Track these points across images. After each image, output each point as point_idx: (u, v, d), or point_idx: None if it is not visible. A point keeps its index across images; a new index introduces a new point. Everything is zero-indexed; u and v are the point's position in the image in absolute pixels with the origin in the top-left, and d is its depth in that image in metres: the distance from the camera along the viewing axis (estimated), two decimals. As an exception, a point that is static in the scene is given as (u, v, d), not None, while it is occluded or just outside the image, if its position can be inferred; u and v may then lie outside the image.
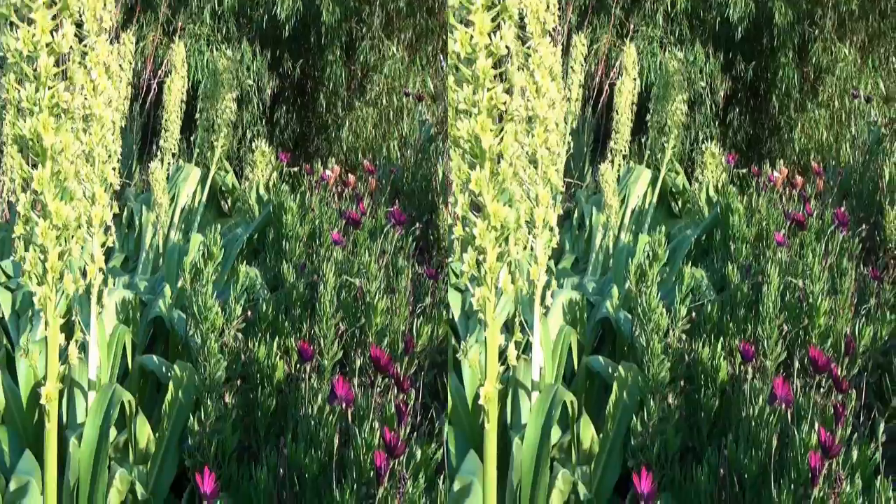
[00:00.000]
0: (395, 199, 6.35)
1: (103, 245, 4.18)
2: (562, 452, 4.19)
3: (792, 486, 3.72)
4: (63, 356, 3.96)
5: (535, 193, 3.97)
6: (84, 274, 4.07)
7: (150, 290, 5.06)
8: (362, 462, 3.83)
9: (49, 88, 3.38)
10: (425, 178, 6.62)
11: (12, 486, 3.93)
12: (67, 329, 3.97)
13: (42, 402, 3.48)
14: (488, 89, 3.35)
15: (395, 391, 4.13)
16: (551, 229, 4.11)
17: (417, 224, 5.91)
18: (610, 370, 4.40)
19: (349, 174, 6.57)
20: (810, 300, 4.80)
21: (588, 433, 4.21)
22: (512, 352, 3.44)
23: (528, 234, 3.99)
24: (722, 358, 4.46)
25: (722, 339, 4.62)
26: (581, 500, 4.04)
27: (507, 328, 4.17)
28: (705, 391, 4.31)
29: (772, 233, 5.37)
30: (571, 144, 5.97)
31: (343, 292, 4.95)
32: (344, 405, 3.98)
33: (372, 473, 3.78)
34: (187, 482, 4.16)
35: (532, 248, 4.06)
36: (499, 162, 3.39)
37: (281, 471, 3.99)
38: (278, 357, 4.44)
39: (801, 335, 4.79)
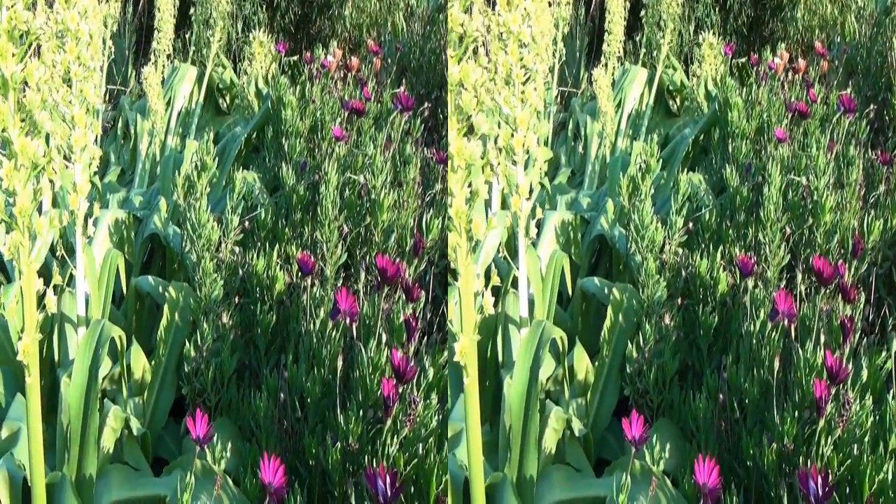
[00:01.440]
0: (401, 79, 5.86)
1: (91, 165, 3.70)
2: (557, 384, 3.85)
3: (796, 413, 3.35)
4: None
5: (513, 117, 3.50)
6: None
7: (146, 205, 4.68)
8: (368, 383, 3.46)
9: (7, 9, 2.92)
10: (433, 52, 6.08)
11: (4, 432, 3.62)
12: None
13: (19, 357, 3.06)
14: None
15: (404, 299, 3.75)
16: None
17: (426, 104, 5.44)
18: (606, 291, 3.97)
19: (352, 57, 5.98)
20: (815, 197, 4.32)
21: (582, 364, 3.88)
22: (488, 301, 3.00)
23: (509, 162, 3.52)
24: (721, 269, 4.01)
25: (721, 247, 4.19)
26: (577, 437, 3.68)
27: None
28: (703, 308, 3.86)
29: (773, 126, 4.86)
30: (563, 52, 5.46)
31: (346, 190, 4.56)
32: (348, 320, 3.54)
33: (379, 393, 3.41)
34: (188, 406, 3.83)
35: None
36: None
37: (282, 395, 3.61)
38: (278, 267, 4.06)
39: (805, 235, 4.32)
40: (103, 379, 3.68)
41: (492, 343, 3.80)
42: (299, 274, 3.94)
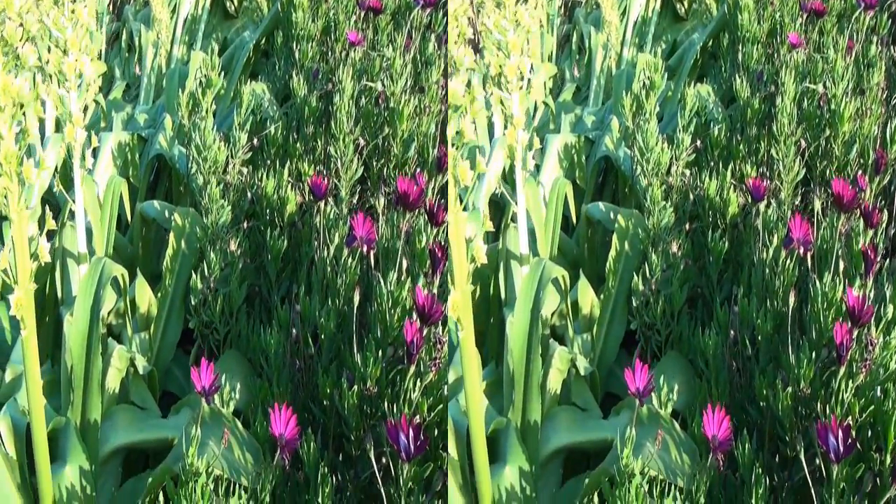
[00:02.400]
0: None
1: (88, 91, 3.51)
2: (563, 319, 3.65)
3: (813, 354, 3.13)
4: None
5: (506, 42, 3.27)
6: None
7: (151, 123, 4.39)
8: (388, 318, 3.25)
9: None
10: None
11: (7, 375, 3.47)
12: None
13: (12, 311, 2.91)
14: None
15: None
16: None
17: (448, -5, 5.08)
18: (611, 216, 3.78)
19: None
20: (832, 106, 4.07)
21: (587, 298, 3.70)
22: (479, 249, 2.82)
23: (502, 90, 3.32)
24: (731, 189, 3.79)
25: (732, 164, 3.95)
26: (582, 375, 3.50)
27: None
28: (713, 233, 3.64)
29: (786, 28, 4.59)
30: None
31: (363, 99, 4.28)
32: (365, 248, 3.33)
33: (399, 332, 3.23)
34: (197, 339, 3.67)
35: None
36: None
37: (294, 331, 3.40)
38: (289, 187, 3.82)
39: (822, 146, 4.09)
40: (108, 313, 3.50)
41: (494, 279, 3.61)
42: (310, 197, 3.71)
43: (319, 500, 2.98)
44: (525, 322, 3.28)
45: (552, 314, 3.58)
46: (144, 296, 3.59)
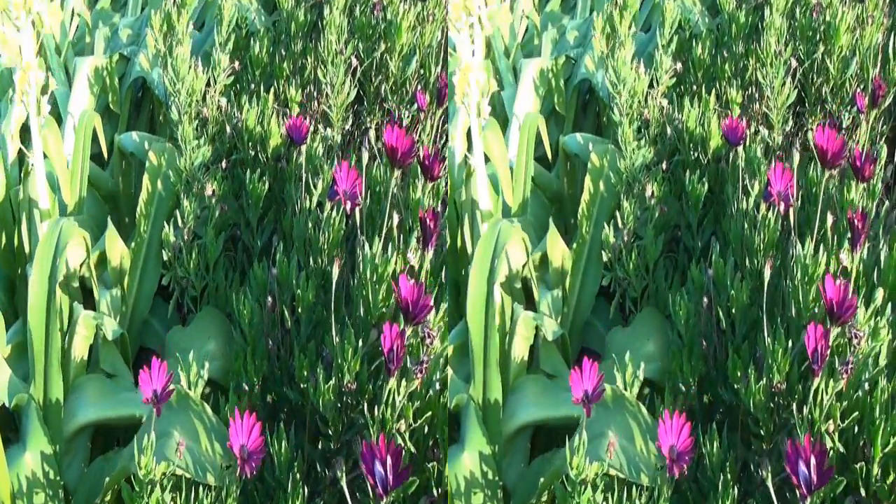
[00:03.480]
0: None
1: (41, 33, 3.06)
2: (536, 270, 3.12)
3: (789, 343, 2.66)
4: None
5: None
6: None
7: (135, 39, 3.83)
8: (370, 295, 2.79)
9: None
10: None
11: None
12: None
13: None
14: None
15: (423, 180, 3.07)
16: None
17: None
18: (590, 147, 3.26)
19: None
20: (827, 17, 3.54)
21: (557, 250, 3.15)
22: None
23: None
24: (714, 117, 3.30)
25: (716, 86, 3.44)
26: (549, 341, 3.01)
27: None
28: (691, 174, 3.16)
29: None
30: None
31: (357, 9, 3.77)
32: (349, 206, 2.86)
33: (384, 308, 2.78)
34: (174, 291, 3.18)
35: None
36: None
37: (270, 299, 2.90)
38: (274, 116, 3.31)
39: (815, 64, 3.58)
40: (81, 265, 3.04)
41: (461, 232, 3.16)
42: (290, 138, 3.22)
43: None
44: (481, 295, 2.86)
45: (524, 266, 3.10)
46: (116, 249, 3.11)
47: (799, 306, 2.76)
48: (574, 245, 3.14)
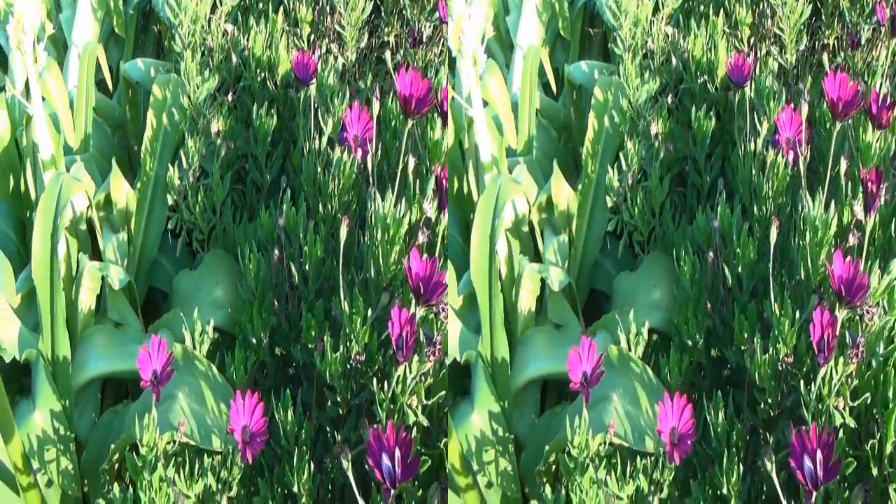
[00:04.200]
0: None
1: None
2: (542, 213, 2.87)
3: (796, 315, 2.41)
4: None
5: None
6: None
7: None
8: (381, 258, 2.54)
9: None
10: None
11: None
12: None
13: None
14: None
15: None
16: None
17: None
18: (595, 76, 2.99)
19: None
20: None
21: (561, 193, 2.88)
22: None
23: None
24: (722, 41, 3.00)
25: (724, 5, 3.15)
26: (555, 292, 2.76)
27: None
28: (697, 109, 2.87)
29: None
30: None
31: None
32: (359, 155, 2.59)
33: (396, 268, 2.53)
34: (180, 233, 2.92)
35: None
36: None
37: (276, 253, 2.64)
38: (283, 36, 3.01)
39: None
40: (88, 207, 2.79)
41: (466, 177, 2.90)
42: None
43: (296, 488, 2.36)
44: (484, 256, 2.60)
45: (531, 207, 2.85)
46: (121, 190, 2.86)
47: (808, 271, 2.51)
48: (580, 186, 2.87)
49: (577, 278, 2.88)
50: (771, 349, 2.41)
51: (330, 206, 2.69)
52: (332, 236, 2.65)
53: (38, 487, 2.55)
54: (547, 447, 2.50)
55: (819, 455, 2.14)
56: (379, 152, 2.75)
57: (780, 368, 2.42)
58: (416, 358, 2.33)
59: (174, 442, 2.37)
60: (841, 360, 2.30)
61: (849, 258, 2.32)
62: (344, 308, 2.43)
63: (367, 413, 2.43)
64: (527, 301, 2.72)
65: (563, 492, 2.36)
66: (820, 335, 2.25)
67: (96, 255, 2.81)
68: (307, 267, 2.60)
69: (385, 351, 2.41)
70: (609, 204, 2.84)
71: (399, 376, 2.32)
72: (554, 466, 2.54)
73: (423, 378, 2.38)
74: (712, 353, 2.63)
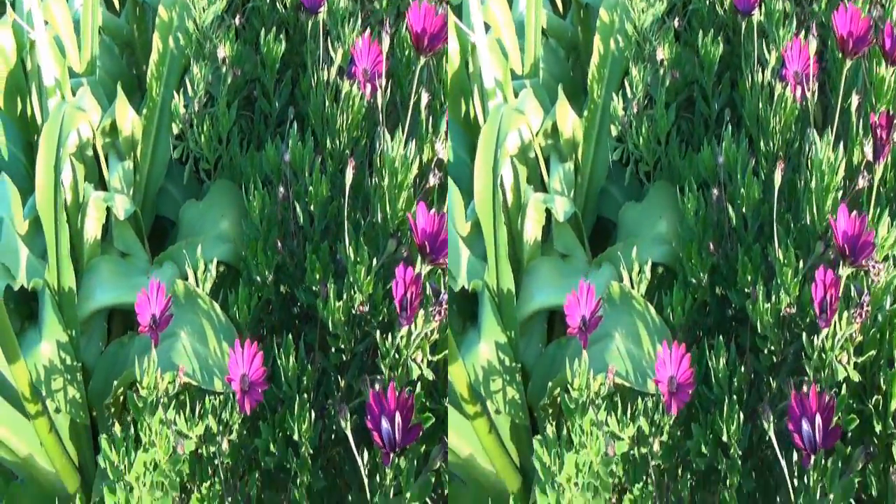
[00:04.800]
0: None
1: None
2: (548, 138, 2.66)
3: (800, 264, 2.24)
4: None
5: None
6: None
7: None
8: (388, 204, 2.35)
9: None
10: None
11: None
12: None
13: None
14: None
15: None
16: None
17: None
18: None
19: None
20: None
21: (566, 121, 2.66)
22: None
23: None
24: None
25: None
26: (560, 222, 2.58)
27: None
28: (704, 35, 2.66)
29: None
30: None
31: None
32: (367, 91, 2.40)
33: (404, 214, 2.35)
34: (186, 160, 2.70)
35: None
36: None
37: (282, 190, 2.45)
38: None
39: None
40: (95, 130, 2.61)
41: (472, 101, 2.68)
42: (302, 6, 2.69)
43: (296, 436, 2.21)
44: (488, 189, 2.42)
45: (537, 132, 2.65)
46: (126, 117, 2.66)
47: (813, 216, 2.32)
48: (585, 113, 2.67)
49: (584, 206, 2.69)
50: (774, 297, 2.24)
51: (338, 142, 2.49)
52: (340, 172, 2.46)
53: (48, 415, 2.41)
54: (550, 383, 2.36)
55: (818, 419, 1.98)
56: (390, 86, 2.53)
57: (784, 317, 2.25)
58: (421, 313, 2.15)
59: (175, 383, 2.21)
60: (845, 315, 2.11)
61: (854, 213, 2.12)
62: (349, 254, 2.25)
63: (372, 359, 2.27)
64: (532, 230, 2.55)
65: (565, 431, 2.21)
66: (822, 296, 2.06)
67: (103, 181, 2.62)
68: (312, 207, 2.41)
69: (390, 302, 2.23)
70: (614, 133, 2.62)
71: (403, 335, 2.14)
72: (559, 399, 2.38)
73: (428, 335, 2.20)
74: (717, 290, 2.45)
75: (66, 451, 2.44)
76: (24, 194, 2.60)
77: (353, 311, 2.24)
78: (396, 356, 2.14)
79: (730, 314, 2.45)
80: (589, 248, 2.64)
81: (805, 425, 1.98)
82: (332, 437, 2.27)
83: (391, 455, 1.95)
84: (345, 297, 2.24)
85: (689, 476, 2.28)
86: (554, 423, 2.33)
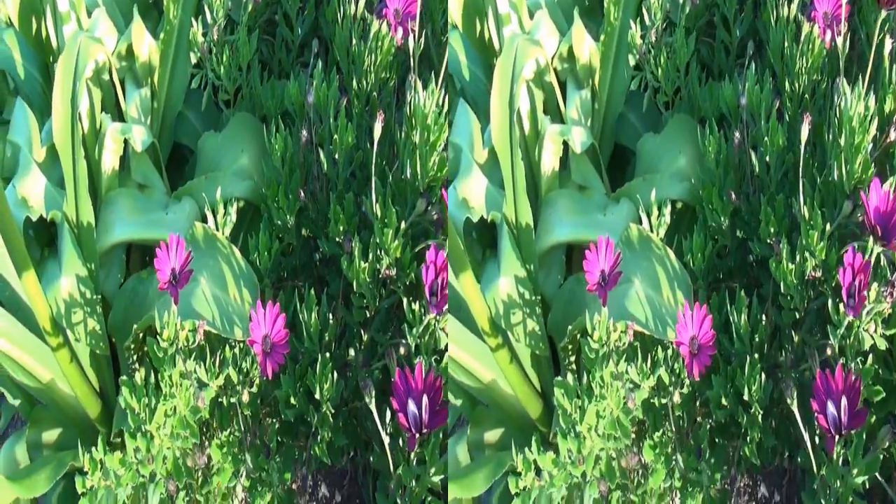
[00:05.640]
0: None
1: None
2: (563, 62, 2.38)
3: (826, 227, 2.01)
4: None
5: None
6: None
7: None
8: (418, 162, 2.08)
9: None
10: None
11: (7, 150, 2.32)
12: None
13: None
14: None
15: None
16: None
17: None
18: None
19: None
20: None
21: (582, 46, 2.37)
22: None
23: None
24: None
25: None
26: (578, 154, 2.29)
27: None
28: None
29: None
30: None
31: None
32: (399, 35, 2.12)
33: (435, 172, 2.11)
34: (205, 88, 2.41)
35: None
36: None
37: (304, 133, 2.18)
38: None
39: None
40: (112, 54, 2.33)
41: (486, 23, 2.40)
42: None
43: (318, 395, 1.99)
44: (504, 124, 2.14)
45: (552, 57, 2.37)
46: (142, 42, 2.37)
47: (841, 172, 2.07)
48: (602, 36, 2.37)
49: (601, 135, 2.43)
50: (798, 257, 2.00)
51: (365, 83, 2.20)
52: (366, 113, 2.18)
53: (69, 346, 2.19)
54: (570, 326, 2.14)
55: (844, 401, 1.77)
56: (424, 34, 2.23)
57: (808, 279, 2.02)
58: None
59: (195, 335, 1.99)
60: (874, 288, 1.88)
61: (888, 188, 1.88)
62: (375, 211, 2.00)
63: (396, 314, 2.04)
64: (550, 162, 2.29)
65: (586, 379, 2.01)
66: (850, 281, 1.82)
67: (119, 107, 2.35)
68: (337, 156, 2.15)
69: (418, 264, 1.99)
70: (632, 62, 2.35)
71: (430, 320, 1.91)
72: (578, 337, 2.17)
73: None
74: (738, 233, 2.21)
75: (87, 378, 2.23)
76: (40, 115, 2.34)
77: (380, 275, 2.00)
78: (421, 338, 1.92)
79: (750, 259, 2.22)
80: (607, 178, 2.39)
81: (830, 407, 1.77)
82: (355, 389, 2.05)
83: (416, 438, 1.73)
84: (370, 257, 2.00)
85: (708, 425, 2.09)
86: (574, 367, 2.14)
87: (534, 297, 2.18)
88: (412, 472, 1.85)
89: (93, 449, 1.98)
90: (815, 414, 1.78)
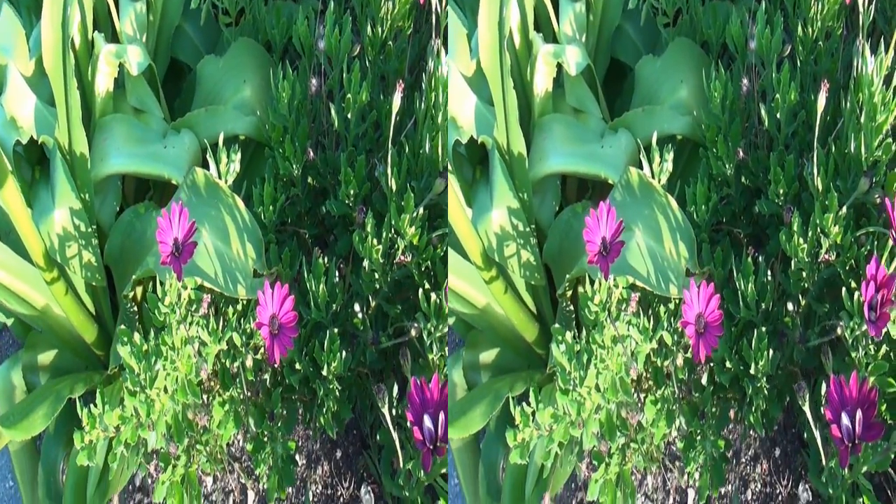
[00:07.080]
0: None
1: None
2: None
3: (842, 210, 1.67)
4: None
5: None
6: None
7: None
8: (440, 136, 1.71)
9: None
10: None
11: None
12: None
13: None
14: None
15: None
16: None
17: None
18: None
19: None
20: None
21: None
22: None
23: None
24: None
25: None
26: (572, 76, 1.88)
27: None
28: None
29: None
30: None
31: None
32: None
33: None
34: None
35: None
36: None
37: (314, 82, 1.78)
38: None
39: None
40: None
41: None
42: None
43: (325, 371, 1.65)
44: (494, 41, 1.72)
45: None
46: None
47: (858, 145, 1.70)
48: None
49: (596, 51, 2.02)
50: (811, 234, 1.66)
51: (380, 30, 1.74)
52: (381, 61, 1.73)
53: (64, 278, 1.82)
54: (567, 275, 1.81)
55: (859, 413, 1.47)
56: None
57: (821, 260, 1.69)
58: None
59: (199, 290, 1.63)
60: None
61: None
62: (391, 185, 1.60)
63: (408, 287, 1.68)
64: (543, 83, 1.88)
65: (585, 340, 1.69)
66: (871, 296, 1.49)
67: (112, 21, 1.87)
68: (350, 115, 1.71)
69: (435, 250, 1.61)
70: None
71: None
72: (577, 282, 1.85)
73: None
74: (743, 179, 1.85)
75: (83, 306, 1.86)
76: (27, 29, 1.86)
77: (395, 260, 1.62)
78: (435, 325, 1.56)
79: (756, 210, 1.86)
80: (604, 99, 1.98)
81: (845, 419, 1.47)
82: (362, 356, 1.71)
83: (432, 452, 1.41)
84: (384, 236, 1.61)
85: (711, 386, 1.79)
86: (572, 309, 1.81)
87: (528, 229, 1.83)
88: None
89: (91, 406, 1.64)
90: (829, 423, 1.49)
